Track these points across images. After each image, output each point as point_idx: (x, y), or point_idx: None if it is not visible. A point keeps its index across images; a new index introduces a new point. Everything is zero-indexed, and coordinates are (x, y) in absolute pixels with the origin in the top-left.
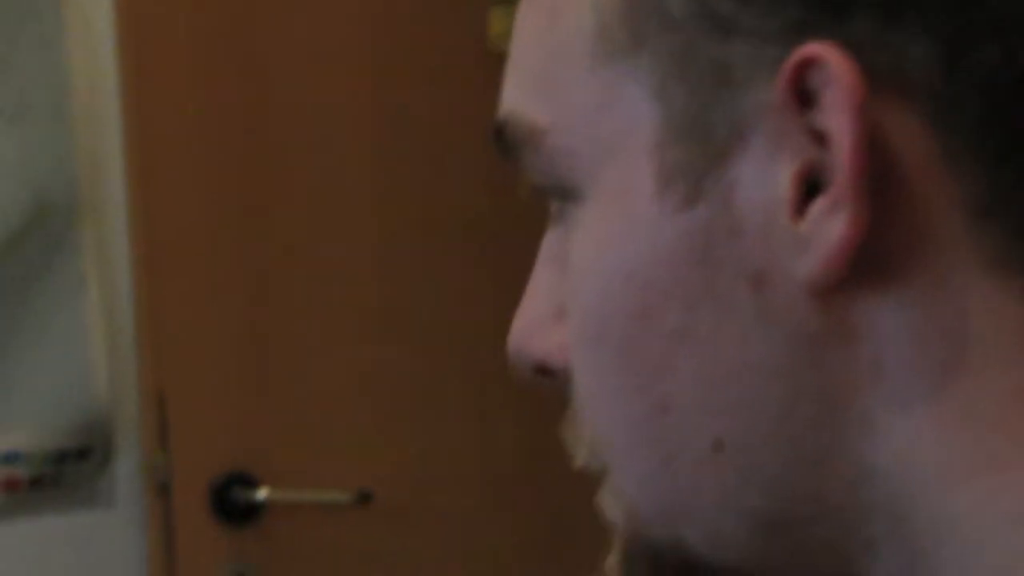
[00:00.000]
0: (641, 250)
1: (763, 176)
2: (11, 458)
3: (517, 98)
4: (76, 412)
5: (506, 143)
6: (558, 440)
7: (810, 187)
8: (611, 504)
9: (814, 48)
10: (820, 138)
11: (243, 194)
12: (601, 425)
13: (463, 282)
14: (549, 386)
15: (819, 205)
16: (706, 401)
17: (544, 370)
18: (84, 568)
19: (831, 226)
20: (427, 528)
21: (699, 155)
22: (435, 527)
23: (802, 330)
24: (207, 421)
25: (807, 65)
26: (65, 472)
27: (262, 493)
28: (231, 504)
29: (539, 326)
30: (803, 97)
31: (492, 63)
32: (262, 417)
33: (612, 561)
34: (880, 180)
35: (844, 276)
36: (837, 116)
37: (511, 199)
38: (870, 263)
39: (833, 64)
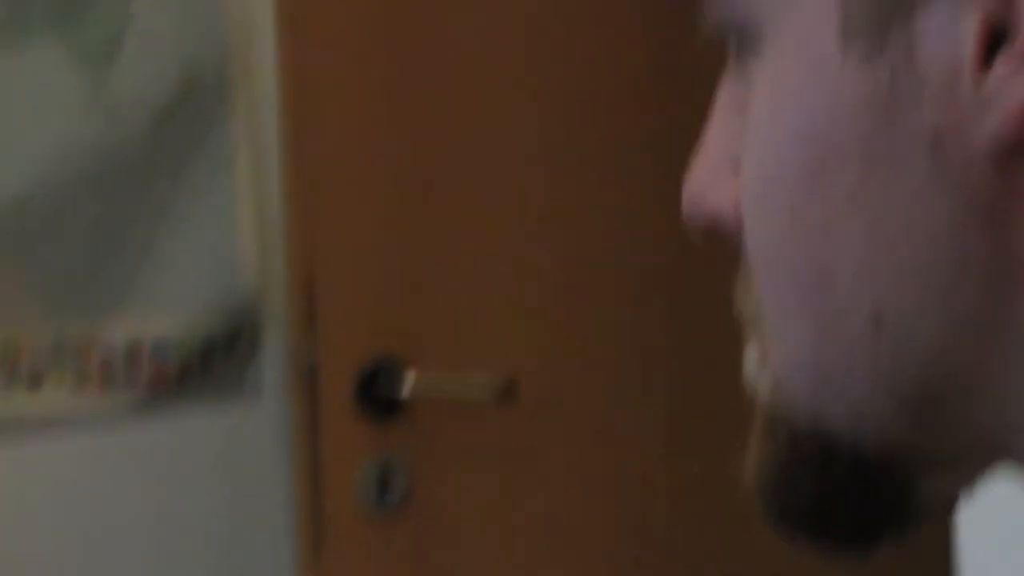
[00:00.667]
0: (820, 105)
1: (949, 30)
2: (159, 348)
3: None
4: (223, 297)
5: None
6: (709, 335)
7: (997, 44)
8: (757, 373)
9: None
10: None
11: (402, 67)
12: (762, 286)
13: (618, 184)
14: (726, 241)
15: (1003, 63)
16: (872, 268)
17: (717, 224)
18: (230, 458)
19: (1015, 86)
20: (574, 422)
21: (885, 5)
22: (580, 419)
23: (979, 194)
24: (356, 308)
25: None
26: (212, 361)
27: (409, 381)
28: (377, 396)
29: (714, 179)
30: None
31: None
32: (411, 305)
33: (753, 439)
34: None
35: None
36: None
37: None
38: None
39: None
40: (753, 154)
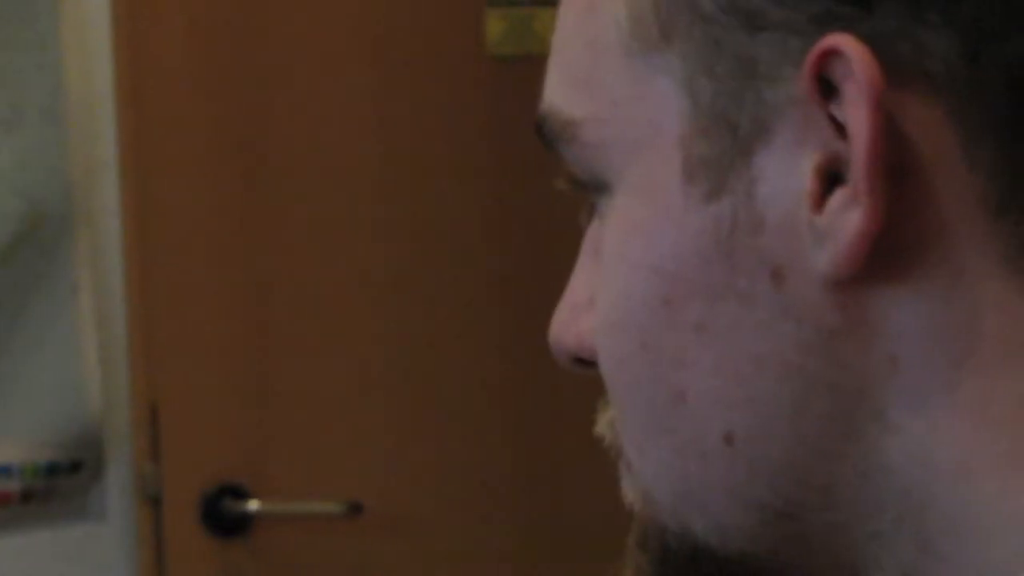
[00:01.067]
0: (666, 242)
1: (786, 168)
2: (2, 472)
3: (556, 92)
4: (68, 424)
5: (545, 137)
6: (551, 450)
7: (831, 180)
8: (629, 488)
9: (835, 39)
10: (842, 130)
11: (240, 206)
12: (621, 411)
13: (456, 293)
14: (588, 375)
15: (838, 197)
16: (721, 394)
17: (579, 359)
18: None
19: (848, 219)
20: (418, 540)
21: (725, 148)
22: (426, 539)
23: (819, 324)
24: (199, 433)
25: (829, 56)
26: (56, 485)
27: (253, 505)
28: (222, 516)
29: (574, 316)
30: (825, 89)
31: (490, 67)
32: (253, 429)
33: (631, 543)
34: (897, 173)
35: (861, 269)
36: (855, 108)
37: (513, 201)
38: (887, 256)
39: (853, 56)
40: (606, 290)
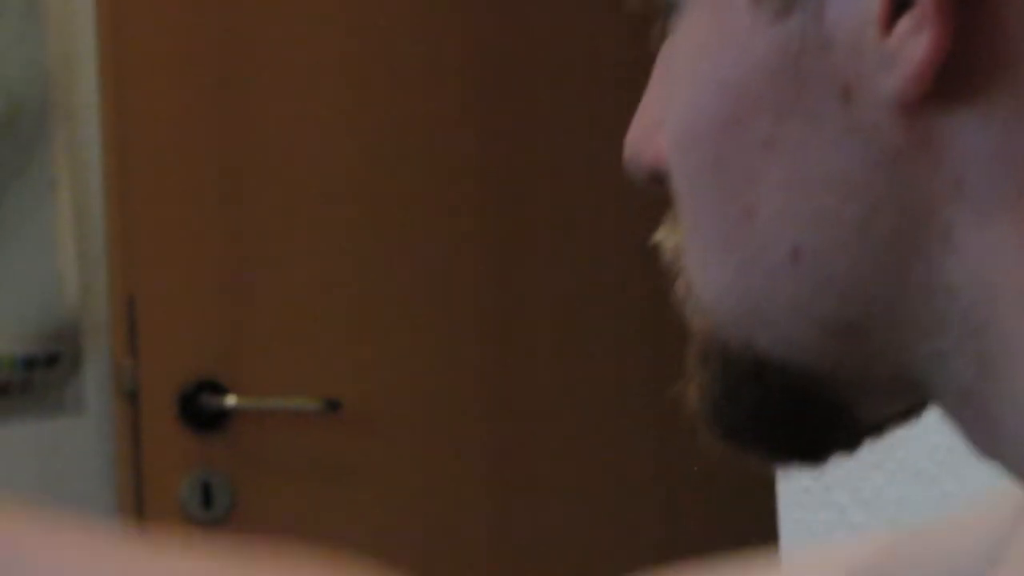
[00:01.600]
0: (734, 60)
1: None
2: None
3: None
4: (45, 318)
5: None
6: (526, 346)
7: (899, 4)
8: (690, 305)
9: None
10: None
11: (217, 101)
12: (689, 228)
13: (436, 185)
14: (655, 195)
15: (905, 22)
16: (789, 209)
17: (655, 177)
18: (52, 474)
19: (916, 43)
20: (393, 436)
21: None
22: (401, 435)
23: (887, 144)
24: (177, 328)
25: None
26: (33, 378)
27: (230, 400)
28: (199, 411)
29: (648, 136)
30: None
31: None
32: (232, 324)
33: (692, 361)
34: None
35: (928, 93)
36: None
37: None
38: (953, 81)
39: None
40: (675, 106)
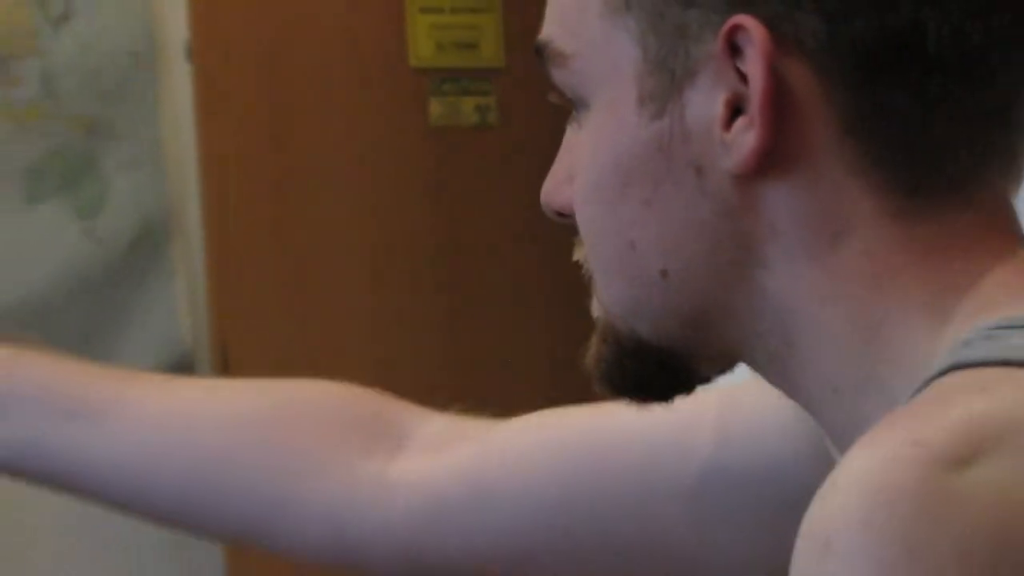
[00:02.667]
0: (626, 146)
1: (706, 101)
2: None
3: (553, 30)
4: (169, 357)
5: (543, 60)
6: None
7: (735, 111)
8: (595, 304)
9: (741, 19)
10: (743, 78)
11: (284, 217)
12: (591, 255)
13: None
14: (566, 224)
15: (740, 123)
16: (659, 245)
17: (561, 215)
18: None
19: (746, 138)
20: None
21: (665, 85)
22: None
23: (725, 203)
24: (252, 362)
25: (737, 29)
26: None
27: None
28: None
29: (557, 188)
30: (733, 49)
31: (432, 136)
32: (291, 357)
33: (592, 343)
34: (780, 108)
35: (753, 170)
36: (754, 65)
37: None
38: (770, 162)
39: (753, 31)
40: (583, 174)
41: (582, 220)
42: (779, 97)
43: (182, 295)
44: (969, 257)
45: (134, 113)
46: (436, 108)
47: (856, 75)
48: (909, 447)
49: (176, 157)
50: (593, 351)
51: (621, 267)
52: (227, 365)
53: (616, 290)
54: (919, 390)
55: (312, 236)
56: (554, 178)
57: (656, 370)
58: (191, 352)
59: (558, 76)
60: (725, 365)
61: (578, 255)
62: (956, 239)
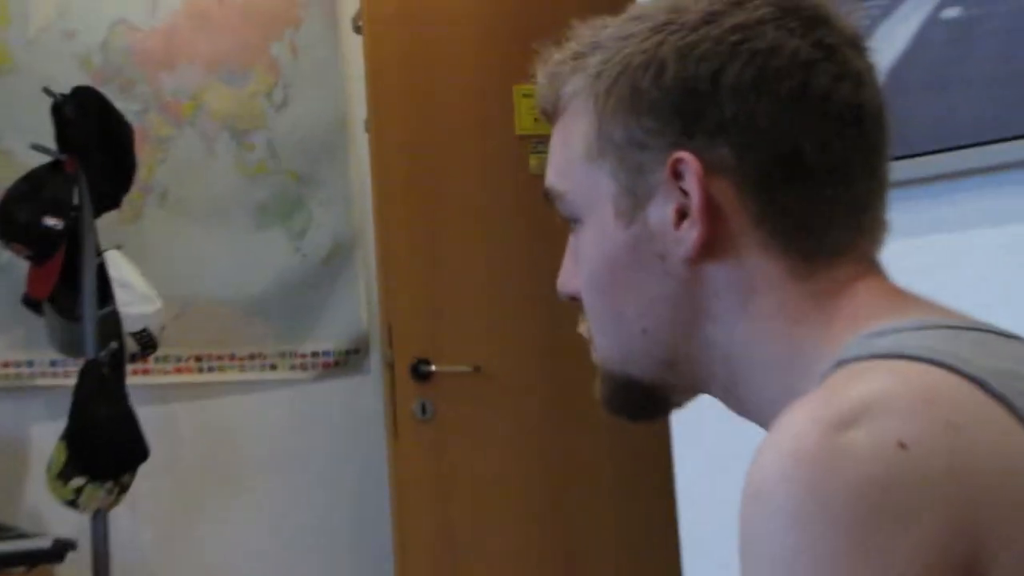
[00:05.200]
0: (610, 247)
1: (662, 211)
2: (326, 353)
3: (552, 179)
4: (352, 333)
5: (549, 199)
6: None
7: (681, 216)
8: (595, 355)
9: (681, 154)
10: (685, 193)
11: (432, 237)
12: (594, 322)
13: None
14: (576, 304)
15: (686, 224)
16: (640, 312)
17: (573, 298)
18: (355, 406)
19: (691, 234)
20: (506, 389)
21: (632, 204)
22: (511, 388)
23: (681, 279)
24: (409, 336)
25: (678, 162)
26: (348, 359)
27: (432, 367)
28: (419, 372)
29: (568, 279)
30: (677, 175)
31: (531, 182)
32: (433, 330)
33: (596, 382)
34: (711, 211)
35: (698, 255)
36: (692, 184)
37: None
38: (709, 248)
39: (689, 163)
40: (583, 268)
41: (587, 300)
42: (710, 204)
43: (361, 293)
44: (850, 296)
45: (330, 167)
46: (534, 161)
47: (760, 185)
48: (810, 422)
49: (359, 198)
50: (598, 388)
51: (615, 329)
52: (391, 340)
53: (612, 345)
54: (819, 382)
55: (449, 251)
56: (565, 271)
57: (643, 399)
58: (366, 331)
59: (560, 207)
60: (692, 395)
61: (581, 328)
62: (840, 286)
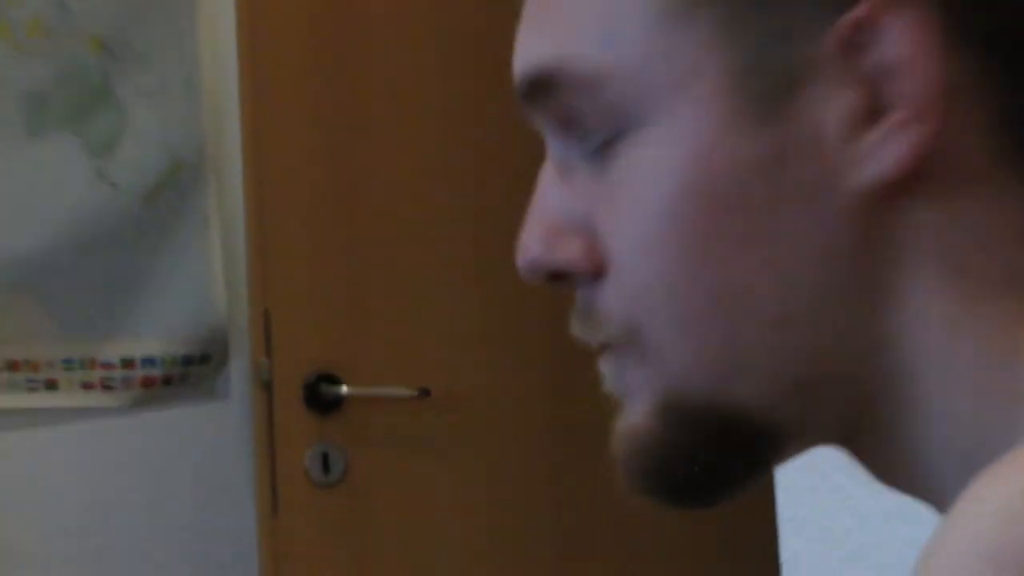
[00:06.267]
0: (718, 166)
1: (833, 101)
2: (148, 362)
3: (569, 51)
4: (200, 325)
5: (544, 87)
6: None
7: (872, 112)
8: (637, 407)
9: (869, 8)
10: (885, 72)
11: (336, 156)
12: (663, 311)
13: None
14: (562, 289)
15: (880, 129)
16: (772, 287)
17: (561, 275)
18: (205, 448)
19: (890, 147)
20: (471, 422)
21: (774, 85)
22: (478, 422)
23: (852, 230)
24: (302, 333)
25: (869, 21)
26: (189, 372)
27: (344, 389)
28: (319, 397)
29: (557, 237)
30: (865, 39)
31: None
32: (344, 329)
33: (622, 425)
34: (932, 109)
35: (897, 187)
36: (907, 49)
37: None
38: (919, 176)
39: (892, 25)
40: (637, 214)
41: (642, 274)
42: (930, 95)
43: (216, 253)
44: None
45: (161, 28)
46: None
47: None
48: None
49: (212, 83)
50: (628, 439)
51: (714, 320)
52: (269, 341)
53: (704, 350)
54: None
55: (383, 171)
56: (542, 229)
57: (736, 454)
58: (225, 323)
59: (583, 105)
60: (815, 443)
61: (577, 328)
62: None
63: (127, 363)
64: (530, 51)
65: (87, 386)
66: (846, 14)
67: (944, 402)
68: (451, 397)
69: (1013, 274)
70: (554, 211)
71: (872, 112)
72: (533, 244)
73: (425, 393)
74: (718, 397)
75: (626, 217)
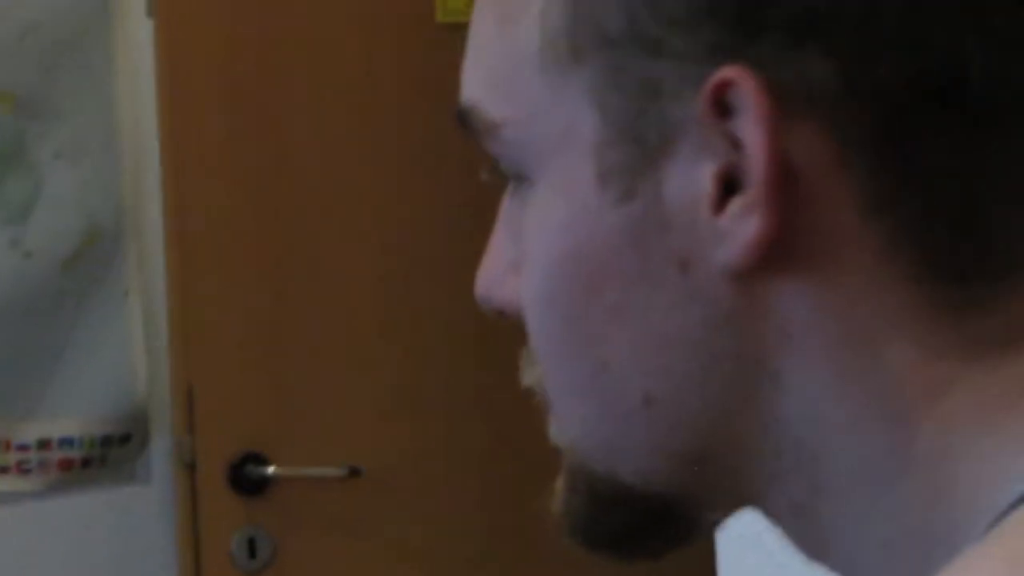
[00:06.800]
0: (584, 235)
1: (688, 176)
2: (66, 443)
3: (476, 91)
4: (119, 404)
5: (468, 128)
6: (517, 421)
7: (728, 186)
8: (556, 434)
9: (729, 72)
10: (737, 144)
11: (259, 229)
12: (547, 373)
13: (438, 293)
14: (510, 323)
15: (737, 204)
16: (638, 365)
17: (505, 314)
18: (124, 533)
19: (747, 223)
20: (405, 499)
21: (633, 157)
22: (412, 498)
23: (720, 306)
24: (226, 411)
25: (725, 86)
26: (109, 454)
27: (271, 469)
28: (245, 479)
29: (498, 278)
30: (722, 109)
31: (444, 32)
32: (271, 408)
33: (559, 483)
34: (787, 183)
35: (756, 263)
36: (752, 130)
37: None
38: (777, 253)
39: (746, 87)
40: (531, 267)
41: (534, 325)
42: (785, 168)
43: (137, 326)
44: None
45: (78, 85)
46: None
47: (882, 134)
48: None
49: (133, 143)
50: (561, 499)
51: (588, 393)
52: (192, 418)
53: (585, 422)
54: (992, 525)
55: (307, 246)
56: (492, 264)
57: (646, 521)
58: (145, 401)
59: (488, 146)
60: (736, 509)
61: (529, 378)
62: (1015, 334)
63: (43, 444)
64: (463, 83)
65: (2, 470)
66: (712, 72)
67: (849, 494)
68: (383, 474)
69: (912, 364)
70: (499, 249)
71: (729, 186)
72: (479, 281)
73: (355, 472)
74: (610, 465)
75: (526, 270)
